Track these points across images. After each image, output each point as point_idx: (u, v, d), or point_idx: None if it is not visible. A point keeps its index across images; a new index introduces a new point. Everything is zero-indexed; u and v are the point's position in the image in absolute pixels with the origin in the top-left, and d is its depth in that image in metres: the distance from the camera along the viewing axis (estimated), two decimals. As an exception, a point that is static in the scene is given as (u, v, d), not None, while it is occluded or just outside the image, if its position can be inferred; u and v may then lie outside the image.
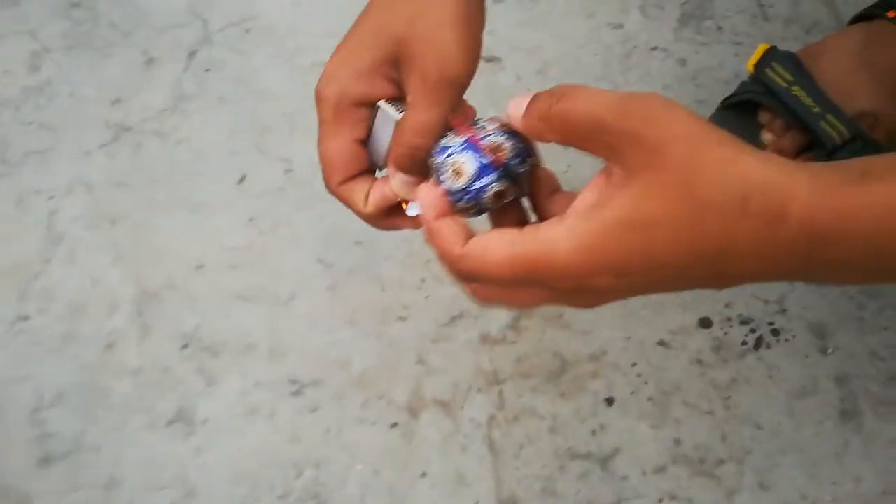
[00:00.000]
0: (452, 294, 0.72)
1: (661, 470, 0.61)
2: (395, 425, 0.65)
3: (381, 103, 0.38)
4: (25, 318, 0.76)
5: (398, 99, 0.38)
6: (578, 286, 0.29)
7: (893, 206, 0.25)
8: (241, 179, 0.79)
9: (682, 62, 0.83)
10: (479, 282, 0.32)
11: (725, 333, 0.67)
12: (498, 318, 0.70)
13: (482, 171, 0.33)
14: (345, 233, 0.75)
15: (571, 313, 0.70)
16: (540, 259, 0.29)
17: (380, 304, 0.72)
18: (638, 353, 0.66)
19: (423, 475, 0.63)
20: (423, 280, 0.73)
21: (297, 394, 0.68)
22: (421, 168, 0.36)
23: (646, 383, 0.65)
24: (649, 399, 0.64)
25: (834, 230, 0.26)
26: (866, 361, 0.66)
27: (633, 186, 0.28)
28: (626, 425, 0.63)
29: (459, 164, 0.33)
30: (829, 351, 0.67)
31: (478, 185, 0.33)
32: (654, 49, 0.84)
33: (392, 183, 0.38)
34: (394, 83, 0.37)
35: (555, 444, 0.63)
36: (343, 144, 0.38)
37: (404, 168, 0.37)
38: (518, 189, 0.34)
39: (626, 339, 0.67)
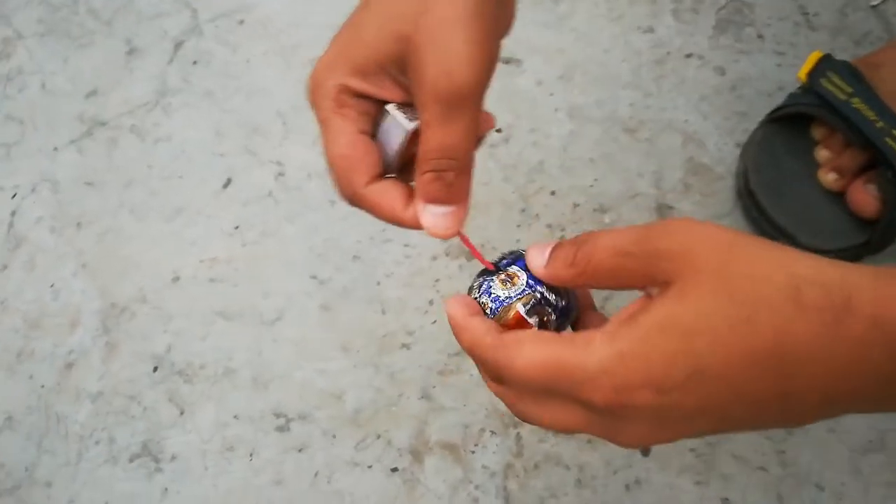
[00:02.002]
0: (464, 320, 0.62)
1: (706, 534, 0.52)
2: (395, 470, 0.56)
3: (390, 108, 0.33)
4: (-26, 333, 0.66)
5: (408, 104, 0.33)
6: (616, 403, 0.26)
7: None
8: (227, 184, 0.70)
9: (721, 70, 0.74)
10: (507, 383, 0.29)
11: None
12: (515, 348, 0.60)
13: None
14: (340, 246, 0.66)
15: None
16: (572, 361, 0.26)
17: (379, 329, 0.62)
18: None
19: (427, 532, 0.53)
20: (430, 302, 0.63)
21: (282, 429, 0.59)
22: (452, 194, 0.33)
23: (686, 430, 0.55)
24: (692, 450, 0.54)
25: None
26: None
27: (670, 293, 0.25)
28: (665, 480, 0.53)
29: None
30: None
31: None
32: (688, 56, 0.76)
33: (424, 219, 0.33)
34: (401, 87, 0.33)
35: (582, 498, 0.54)
36: (354, 138, 0.33)
37: (437, 199, 0.33)
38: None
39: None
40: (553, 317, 0.33)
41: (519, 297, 0.33)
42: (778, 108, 0.68)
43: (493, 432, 0.58)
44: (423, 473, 0.56)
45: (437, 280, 0.65)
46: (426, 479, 0.56)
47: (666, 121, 0.72)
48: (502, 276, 0.34)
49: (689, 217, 0.27)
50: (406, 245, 0.67)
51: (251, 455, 0.57)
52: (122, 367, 0.62)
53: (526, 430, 0.58)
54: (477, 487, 0.55)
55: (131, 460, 0.58)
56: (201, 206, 0.69)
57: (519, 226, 0.67)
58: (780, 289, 0.24)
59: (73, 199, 0.70)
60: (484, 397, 0.60)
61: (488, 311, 0.33)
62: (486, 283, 0.34)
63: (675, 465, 0.56)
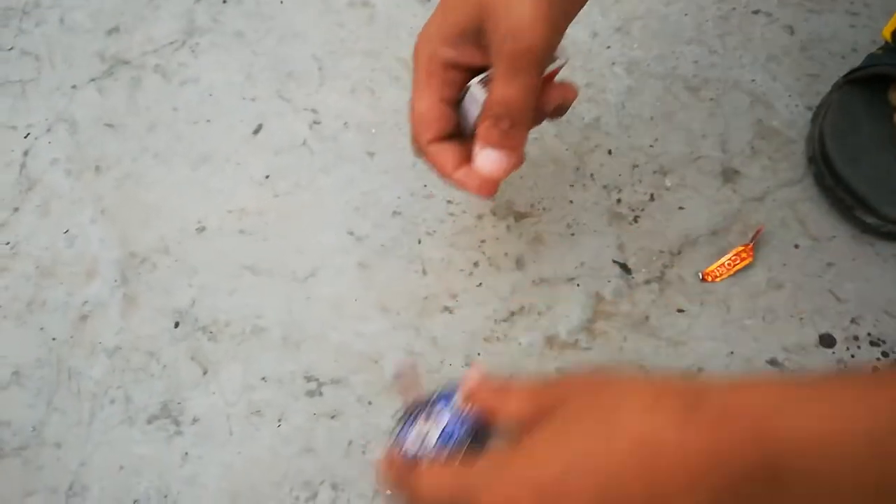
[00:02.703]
0: (513, 283, 0.57)
1: None
2: (435, 442, 0.51)
3: (473, 83, 0.39)
4: (-18, 278, 0.61)
5: (489, 76, 0.38)
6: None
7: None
8: (257, 130, 0.65)
9: (790, 29, 0.69)
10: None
11: (852, 355, 0.53)
12: (568, 317, 0.56)
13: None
14: (380, 201, 0.61)
15: (659, 318, 0.55)
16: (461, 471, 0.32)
17: (420, 291, 0.57)
18: (743, 371, 0.52)
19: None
20: (475, 264, 0.58)
21: (313, 394, 0.54)
22: (506, 141, 0.38)
23: (755, 411, 0.50)
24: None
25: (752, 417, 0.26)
26: None
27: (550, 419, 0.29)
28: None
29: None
30: None
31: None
32: (756, 12, 0.70)
33: (477, 160, 0.39)
34: (482, 49, 0.37)
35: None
36: (433, 103, 0.39)
37: (491, 143, 0.38)
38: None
39: (729, 354, 0.52)
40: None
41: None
42: (856, 70, 0.63)
43: (543, 405, 0.52)
44: (467, 447, 0.51)
45: (482, 241, 0.60)
46: (470, 452, 0.51)
47: (732, 80, 0.67)
48: (425, 417, 0.38)
49: (586, 371, 0.32)
50: (450, 202, 0.62)
51: (280, 421, 0.52)
52: (141, 322, 0.57)
53: (580, 404, 0.53)
54: (526, 464, 0.50)
55: (149, 422, 0.53)
56: (229, 152, 0.64)
57: (572, 185, 0.62)
58: (641, 397, 0.28)
59: (91, 141, 0.65)
60: (533, 366, 0.55)
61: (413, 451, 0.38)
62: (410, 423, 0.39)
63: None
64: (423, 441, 0.37)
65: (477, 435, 0.36)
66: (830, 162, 0.59)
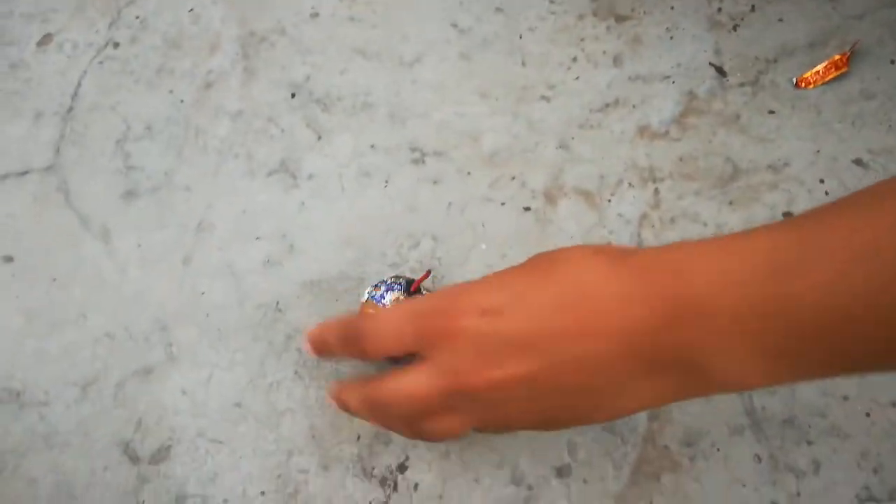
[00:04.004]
0: (610, 78, 0.60)
1: (843, 297, 0.51)
2: (527, 209, 0.56)
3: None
4: (116, 45, 0.66)
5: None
6: (446, 332, 0.32)
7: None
8: (371, -76, 0.67)
9: None
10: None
11: (935, 162, 0.55)
12: (661, 111, 0.58)
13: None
14: (486, -3, 0.64)
15: (750, 117, 0.58)
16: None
17: (519, 81, 0.61)
18: (828, 170, 0.54)
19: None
20: (574, 59, 0.61)
21: (417, 162, 0.59)
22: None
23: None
24: (836, 220, 0.52)
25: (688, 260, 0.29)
26: None
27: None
28: (806, 244, 0.52)
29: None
30: None
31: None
32: None
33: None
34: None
35: (718, 253, 0.53)
36: None
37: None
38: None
39: (816, 152, 0.55)
40: None
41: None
42: None
43: (630, 184, 0.57)
44: (556, 214, 0.56)
45: (582, 39, 0.63)
46: (559, 219, 0.55)
47: None
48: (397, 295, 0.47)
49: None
50: (552, 1, 0.64)
51: (386, 182, 0.58)
52: (260, 92, 0.62)
53: (664, 185, 0.57)
54: (611, 232, 0.55)
55: (269, 175, 0.59)
56: (345, -59, 0.67)
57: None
58: (580, 254, 0.31)
59: (215, -77, 0.68)
60: (624, 152, 0.58)
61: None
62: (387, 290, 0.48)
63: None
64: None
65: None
66: (939, -20, 0.59)
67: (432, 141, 0.60)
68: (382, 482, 0.51)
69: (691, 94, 0.60)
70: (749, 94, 0.60)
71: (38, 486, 0.52)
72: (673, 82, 0.60)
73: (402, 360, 0.47)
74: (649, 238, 0.55)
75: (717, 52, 0.61)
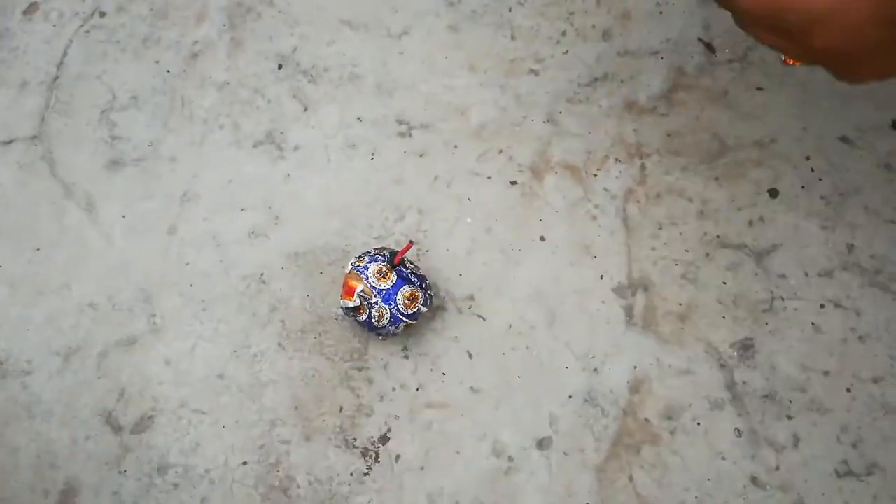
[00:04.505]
0: (598, 53, 0.60)
1: (827, 274, 0.51)
2: (514, 183, 0.56)
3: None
4: (102, 15, 0.65)
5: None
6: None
7: None
8: None
9: None
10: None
11: (923, 140, 0.55)
12: (649, 86, 0.58)
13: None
14: (477, -32, 0.63)
15: (738, 93, 0.58)
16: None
17: (508, 54, 0.60)
18: (814, 147, 0.54)
19: (542, 239, 0.53)
20: (563, 33, 0.61)
21: (403, 135, 0.58)
22: None
23: (820, 180, 0.53)
24: (822, 197, 0.53)
25: None
26: None
27: None
28: (790, 221, 0.52)
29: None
30: None
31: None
32: None
33: None
34: None
35: (702, 228, 0.53)
36: None
37: None
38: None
39: (802, 129, 0.55)
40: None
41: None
42: None
43: (617, 159, 0.56)
44: (542, 189, 0.56)
45: (571, 13, 0.62)
46: (545, 193, 0.55)
47: None
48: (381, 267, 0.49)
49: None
50: (543, -25, 0.63)
51: (372, 154, 0.57)
52: (247, 63, 0.62)
53: (651, 161, 0.57)
54: (596, 206, 0.55)
55: (255, 146, 0.58)
56: (335, -89, 0.66)
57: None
58: None
59: None
60: (611, 127, 0.58)
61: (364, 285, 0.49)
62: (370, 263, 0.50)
63: (802, 208, 0.55)
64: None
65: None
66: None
67: (419, 113, 0.60)
68: (364, 453, 0.51)
69: (680, 70, 0.60)
70: (737, 69, 0.60)
71: (20, 454, 0.52)
72: (662, 58, 0.60)
73: (380, 327, 0.47)
74: (634, 213, 0.55)
75: (707, 27, 0.61)
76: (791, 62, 0.57)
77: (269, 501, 0.50)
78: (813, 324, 0.51)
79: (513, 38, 0.62)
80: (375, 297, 0.47)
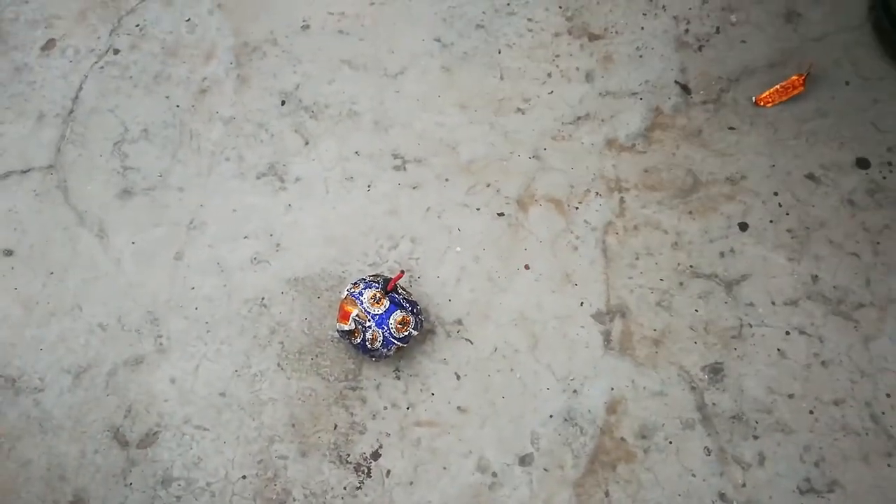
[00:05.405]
0: (581, 93, 0.64)
1: (792, 303, 0.55)
2: (501, 215, 0.60)
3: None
4: (116, 52, 0.70)
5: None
6: None
7: None
8: (361, -58, 0.71)
9: None
10: None
11: (884, 177, 0.59)
12: (628, 125, 0.62)
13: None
14: (465, 14, 0.68)
15: (711, 133, 0.62)
16: None
17: (497, 94, 0.64)
18: (782, 183, 0.58)
19: (527, 267, 0.57)
20: (548, 75, 0.65)
21: (398, 169, 0.62)
22: None
23: (787, 214, 0.57)
24: (789, 231, 0.57)
25: None
26: None
27: None
28: (759, 253, 0.56)
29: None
30: None
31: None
32: None
33: None
34: None
35: (676, 259, 0.57)
36: None
37: None
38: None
39: (771, 166, 0.59)
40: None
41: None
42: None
43: (598, 193, 0.60)
44: (527, 220, 0.60)
45: (556, 56, 0.67)
46: (530, 224, 0.59)
47: (811, -72, 0.70)
48: (374, 293, 0.53)
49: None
50: (530, 19, 0.68)
51: (369, 186, 0.61)
52: (252, 99, 0.66)
53: (629, 195, 0.61)
54: (577, 237, 0.59)
55: (258, 177, 0.62)
56: (336, -43, 0.71)
57: (645, 14, 0.68)
58: None
59: (213, -63, 0.72)
60: (593, 163, 0.62)
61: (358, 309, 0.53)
62: (366, 290, 0.54)
63: (770, 241, 0.58)
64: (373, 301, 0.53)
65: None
66: (890, 6, 0.64)
67: (413, 148, 0.64)
68: (357, 468, 0.54)
69: (657, 110, 0.64)
70: (711, 110, 0.64)
71: (32, 467, 0.55)
72: (640, 98, 0.64)
73: (373, 349, 0.51)
74: (613, 244, 0.59)
75: (683, 70, 0.65)
76: (762, 104, 0.61)
77: (266, 512, 0.53)
78: (779, 349, 0.55)
79: (501, 78, 0.66)
80: (369, 321, 0.51)
